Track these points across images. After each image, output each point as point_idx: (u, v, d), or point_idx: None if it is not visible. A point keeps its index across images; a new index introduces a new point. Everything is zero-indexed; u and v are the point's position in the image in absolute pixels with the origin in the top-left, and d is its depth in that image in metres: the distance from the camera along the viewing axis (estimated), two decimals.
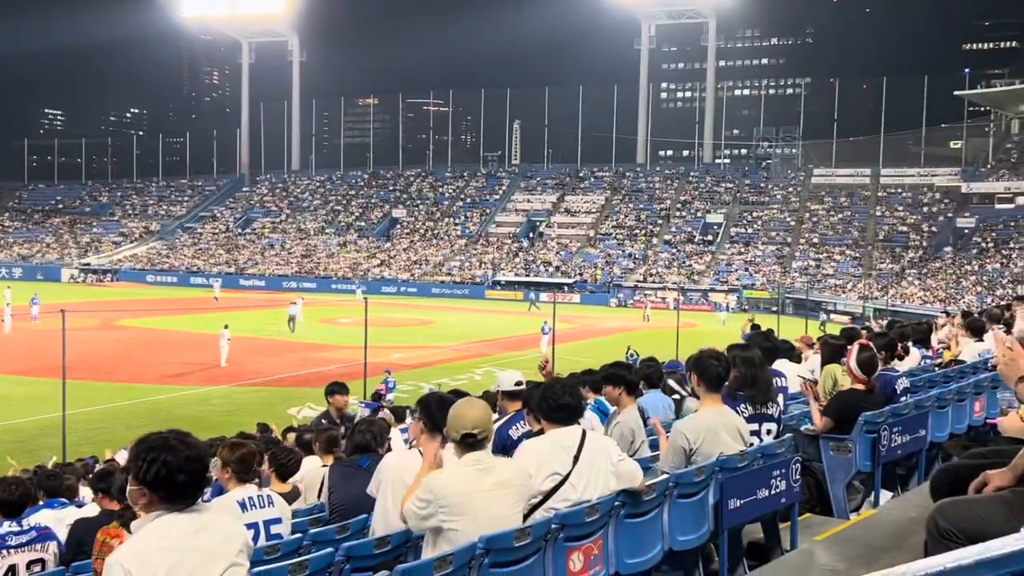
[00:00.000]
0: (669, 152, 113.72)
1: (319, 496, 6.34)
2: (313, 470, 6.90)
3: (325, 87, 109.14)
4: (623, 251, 73.81)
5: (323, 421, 9.29)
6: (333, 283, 71.15)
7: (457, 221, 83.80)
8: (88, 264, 79.08)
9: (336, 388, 9.51)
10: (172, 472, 2.89)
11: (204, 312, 46.32)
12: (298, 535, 4.75)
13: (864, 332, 10.37)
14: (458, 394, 5.10)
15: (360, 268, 75.10)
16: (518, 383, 6.30)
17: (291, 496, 6.37)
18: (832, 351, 8.01)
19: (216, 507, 3.12)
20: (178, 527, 2.89)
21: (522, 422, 6.01)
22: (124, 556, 2.84)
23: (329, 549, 3.89)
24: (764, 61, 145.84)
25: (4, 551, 5.68)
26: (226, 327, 32.03)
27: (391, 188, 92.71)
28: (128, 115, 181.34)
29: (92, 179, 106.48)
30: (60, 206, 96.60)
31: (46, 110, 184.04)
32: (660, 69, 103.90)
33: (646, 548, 4.52)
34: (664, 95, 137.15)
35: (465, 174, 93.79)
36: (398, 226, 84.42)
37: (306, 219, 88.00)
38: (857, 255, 67.84)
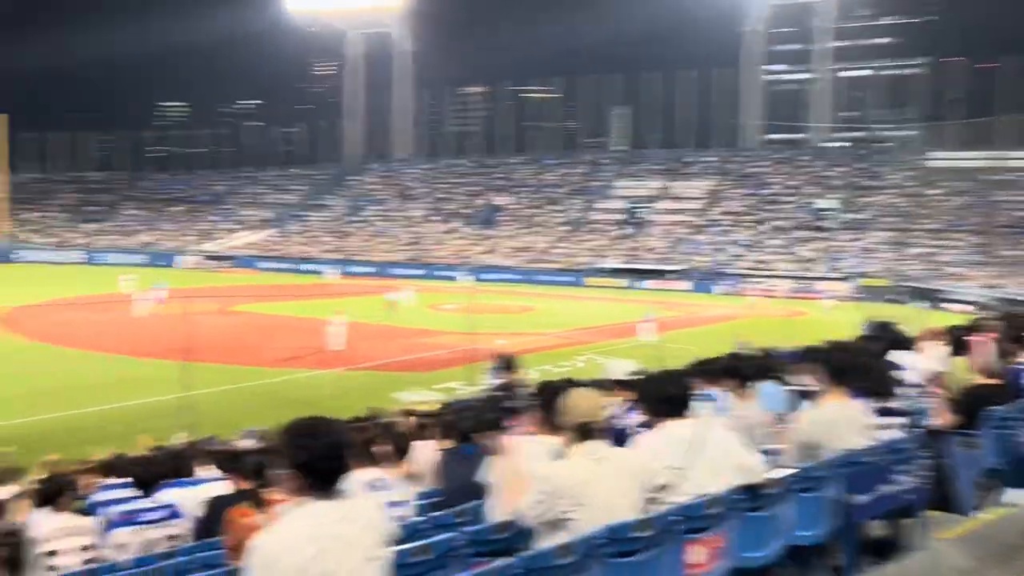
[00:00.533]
0: (779, 136, 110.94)
1: (433, 481, 6.44)
2: (428, 454, 7.02)
3: (431, 76, 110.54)
4: (730, 238, 72.48)
5: (498, 393, 8.95)
6: (439, 270, 72.13)
7: (560, 208, 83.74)
8: (206, 251, 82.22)
9: (506, 364, 9.10)
10: (318, 458, 2.98)
11: (316, 298, 47.64)
12: (420, 518, 4.84)
13: (993, 324, 9.91)
14: (573, 383, 5.12)
15: (465, 255, 75.91)
16: (631, 372, 6.26)
17: (408, 479, 6.49)
18: (959, 343, 7.69)
19: (361, 495, 3.20)
20: (323, 515, 2.97)
21: (634, 412, 5.98)
22: (270, 542, 2.93)
23: (452, 533, 3.95)
24: (881, 40, 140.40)
25: (139, 527, 5.99)
26: (337, 313, 32.87)
27: (495, 176, 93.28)
28: (243, 107, 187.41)
29: (210, 169, 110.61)
30: (180, 195, 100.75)
31: (167, 103, 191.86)
32: (770, 51, 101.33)
33: (767, 543, 4.44)
34: (774, 77, 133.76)
35: (569, 161, 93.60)
36: (502, 213, 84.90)
37: (413, 207, 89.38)
38: (978, 242, 64.89)
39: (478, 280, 61.51)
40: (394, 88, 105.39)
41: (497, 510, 4.42)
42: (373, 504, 3.28)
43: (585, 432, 4.00)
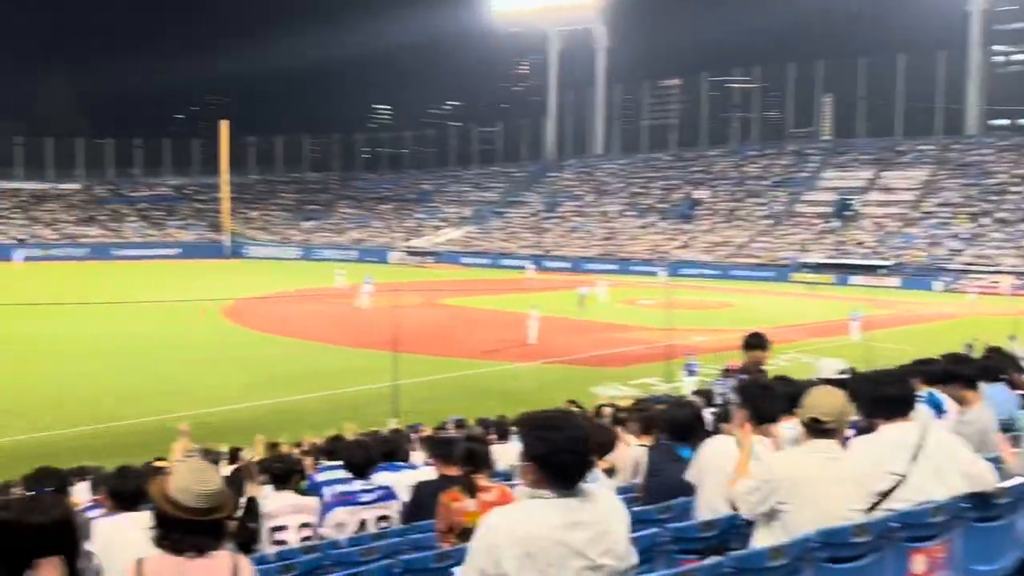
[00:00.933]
0: (1004, 121, 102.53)
1: (633, 476, 6.42)
2: (627, 449, 7.00)
3: (629, 71, 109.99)
4: (948, 231, 67.74)
5: (743, 376, 8.71)
6: (633, 265, 71.73)
7: (762, 201, 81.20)
8: (412, 247, 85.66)
9: (756, 342, 8.70)
10: (557, 451, 2.92)
11: (514, 292, 48.57)
12: None
13: None
14: (784, 381, 4.96)
15: (660, 250, 75.09)
16: (842, 371, 5.99)
17: (607, 473, 6.50)
18: None
19: (603, 497, 3.09)
20: (552, 515, 2.91)
21: None
22: (495, 528, 2.95)
23: (656, 529, 3.93)
24: None
25: (355, 507, 6.32)
26: (535, 307, 33.40)
27: (693, 169, 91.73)
28: (447, 108, 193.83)
29: (415, 168, 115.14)
30: (389, 194, 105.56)
31: (375, 106, 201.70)
32: (994, 30, 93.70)
33: (998, 555, 4.14)
34: (999, 59, 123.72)
35: (770, 152, 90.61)
36: (700, 207, 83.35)
37: (609, 202, 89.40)
38: None
39: (674, 275, 60.69)
40: (592, 84, 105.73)
41: (704, 507, 4.36)
42: (614, 509, 3.10)
43: (818, 429, 3.93)
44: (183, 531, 3.23)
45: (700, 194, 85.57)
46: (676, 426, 5.55)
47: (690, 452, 5.04)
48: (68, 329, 32.33)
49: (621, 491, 6.15)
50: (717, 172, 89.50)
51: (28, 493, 6.17)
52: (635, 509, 4.96)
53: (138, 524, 4.26)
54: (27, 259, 74.70)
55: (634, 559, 3.08)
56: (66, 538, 2.86)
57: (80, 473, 9.36)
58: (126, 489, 5.07)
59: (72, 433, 18.51)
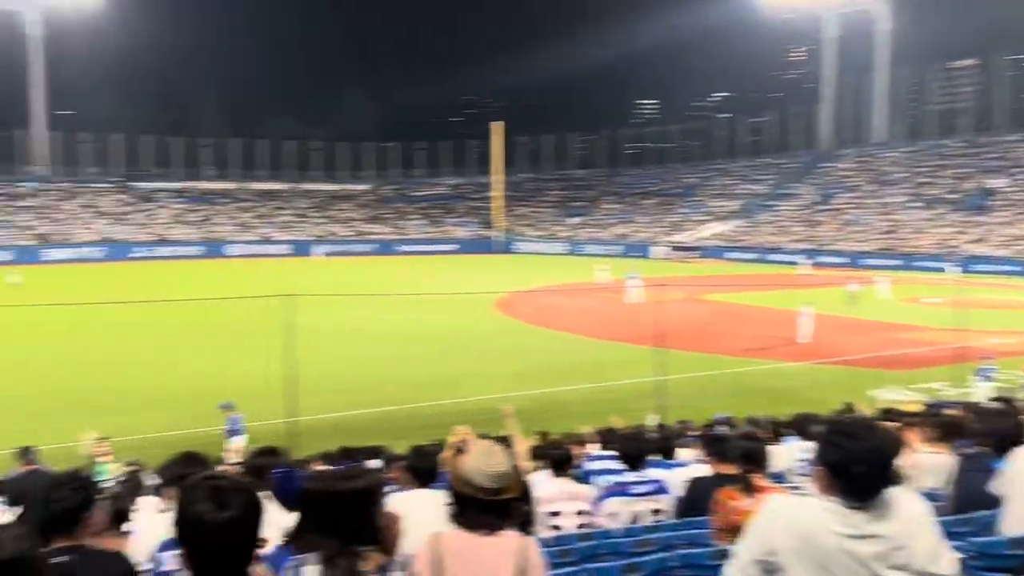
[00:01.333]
0: None
1: (928, 484, 6.01)
2: (918, 456, 6.56)
3: (914, 52, 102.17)
4: None
5: None
6: (918, 260, 66.76)
7: None
8: (675, 242, 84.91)
9: None
10: (851, 461, 2.80)
11: (782, 288, 46.83)
12: None
13: None
14: None
15: (950, 244, 69.30)
16: None
17: None
18: None
19: (906, 509, 2.87)
20: (840, 523, 2.80)
21: None
22: (778, 515, 2.89)
23: (959, 542, 3.66)
24: None
25: (629, 498, 6.39)
26: (808, 304, 32.01)
27: (988, 156, 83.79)
28: (714, 100, 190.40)
29: (681, 162, 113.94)
30: (653, 189, 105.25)
31: (639, 101, 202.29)
32: None
33: None
34: None
35: None
36: (995, 198, 76.02)
37: (890, 193, 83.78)
38: None
39: (966, 272, 55.87)
40: (872, 68, 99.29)
41: (1013, 522, 4.00)
42: (916, 522, 2.88)
43: None
44: (476, 509, 3.43)
45: (996, 183, 78.02)
46: (997, 436, 5.09)
47: (1001, 463, 4.62)
48: (355, 319, 35.08)
49: None
50: (1017, 159, 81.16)
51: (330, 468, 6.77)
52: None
53: (430, 500, 4.57)
54: (328, 254, 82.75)
55: (941, 569, 2.84)
56: (370, 505, 3.15)
57: (372, 452, 10.13)
58: (423, 467, 5.45)
59: (356, 415, 20.13)
